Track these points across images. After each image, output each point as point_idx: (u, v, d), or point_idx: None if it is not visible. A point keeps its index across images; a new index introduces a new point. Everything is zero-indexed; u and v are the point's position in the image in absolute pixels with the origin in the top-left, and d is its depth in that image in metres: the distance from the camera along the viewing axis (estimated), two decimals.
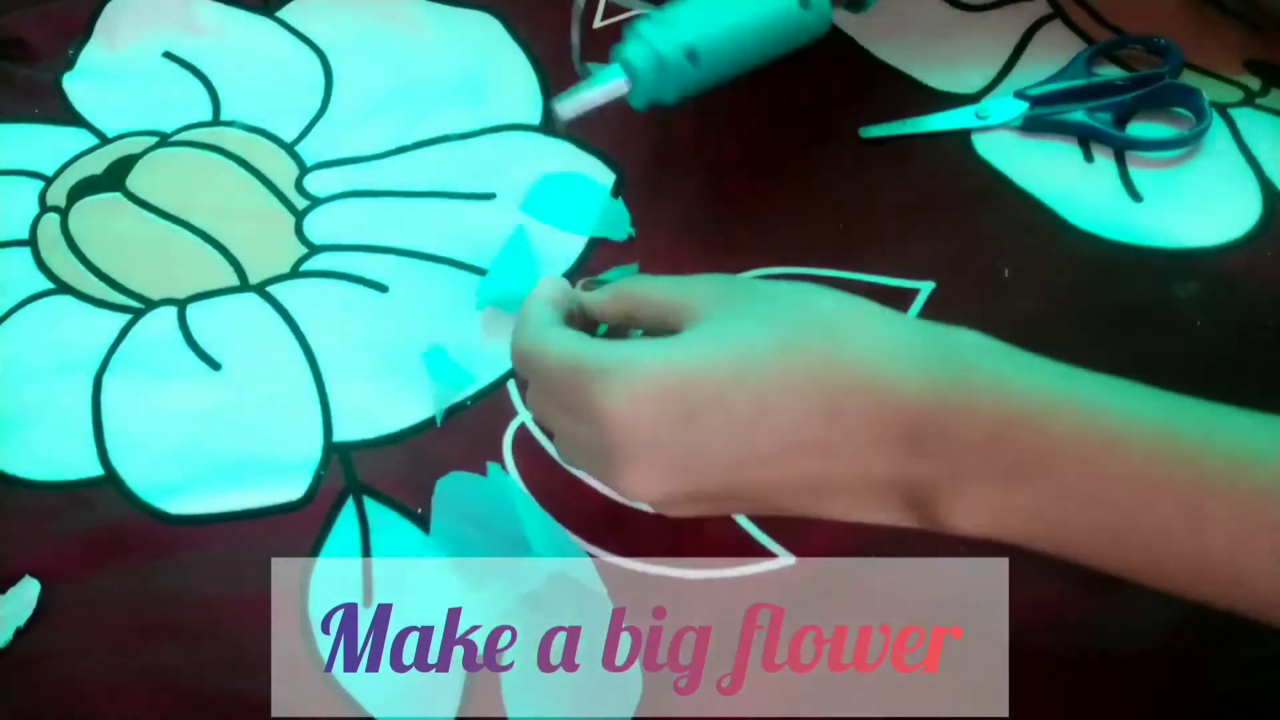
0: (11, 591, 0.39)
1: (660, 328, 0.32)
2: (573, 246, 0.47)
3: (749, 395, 0.29)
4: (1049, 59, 0.51)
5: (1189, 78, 0.50)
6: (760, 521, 0.39)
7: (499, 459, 0.41)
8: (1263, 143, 0.48)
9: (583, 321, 0.35)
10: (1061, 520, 0.28)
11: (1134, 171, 0.47)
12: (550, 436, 0.35)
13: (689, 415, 0.29)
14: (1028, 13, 0.53)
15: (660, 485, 0.30)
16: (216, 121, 0.53)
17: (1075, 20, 0.53)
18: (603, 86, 0.41)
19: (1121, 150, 0.48)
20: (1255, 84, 0.50)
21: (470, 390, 0.43)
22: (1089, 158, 0.48)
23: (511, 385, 0.43)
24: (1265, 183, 0.46)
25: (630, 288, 0.35)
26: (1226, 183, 0.47)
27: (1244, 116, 0.49)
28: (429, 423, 0.43)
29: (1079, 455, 0.28)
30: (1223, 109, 0.49)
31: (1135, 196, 0.46)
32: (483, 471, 0.40)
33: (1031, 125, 0.48)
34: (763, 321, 0.30)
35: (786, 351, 0.29)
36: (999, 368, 0.29)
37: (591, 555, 0.39)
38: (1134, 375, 0.41)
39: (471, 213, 0.49)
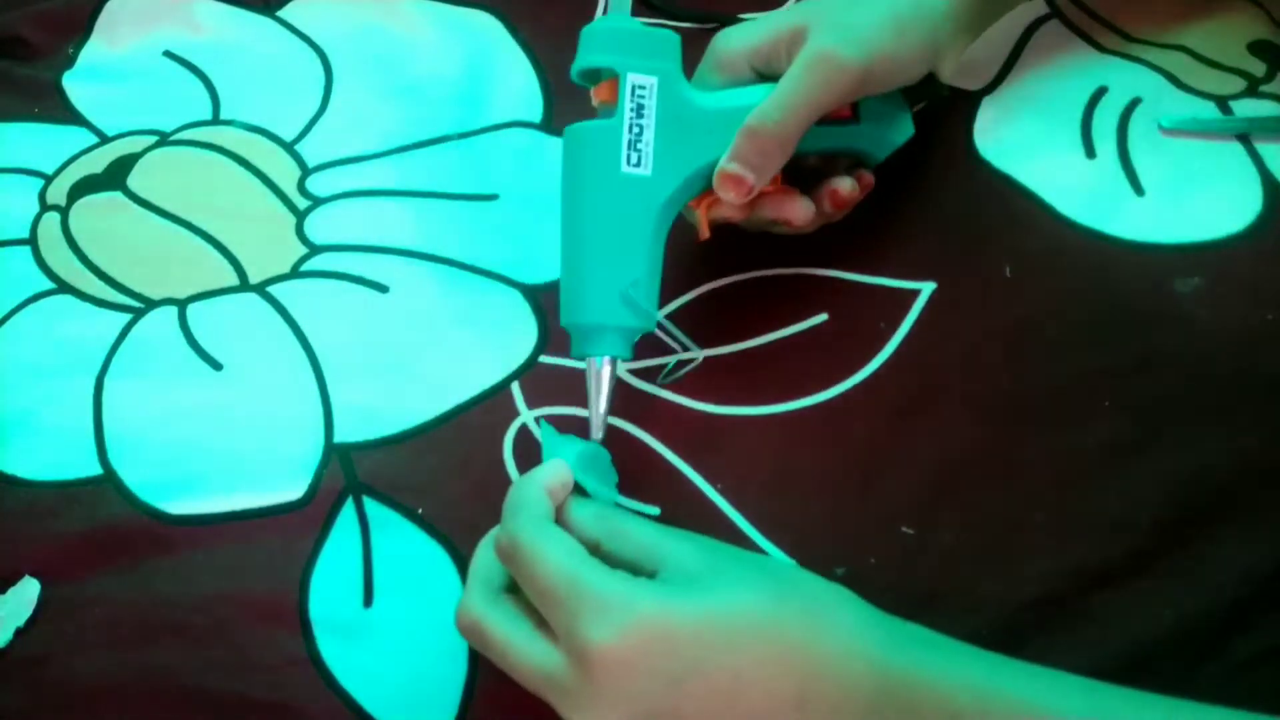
0: (11, 591, 0.39)
1: (630, 566, 0.32)
2: None
3: (729, 666, 0.30)
4: (1047, 58, 0.51)
5: (1187, 71, 0.50)
6: None
7: (499, 460, 0.41)
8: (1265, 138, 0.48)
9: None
10: None
11: (1137, 165, 0.47)
12: (483, 644, 0.33)
13: (674, 674, 0.30)
14: (1026, 12, 0.53)
15: None
16: (216, 121, 0.53)
17: (1072, 19, 0.53)
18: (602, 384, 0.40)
19: (1124, 143, 0.48)
20: (1260, 69, 0.50)
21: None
22: (1090, 153, 0.48)
23: (514, 387, 0.43)
24: (1266, 175, 0.46)
25: (612, 519, 0.34)
26: (1228, 175, 0.46)
27: (1244, 107, 0.49)
28: (429, 423, 0.43)
29: None
30: (1223, 101, 0.49)
31: (1138, 190, 0.46)
32: (487, 478, 0.40)
33: None
34: (752, 588, 0.31)
35: (770, 627, 0.31)
36: (951, 659, 0.32)
37: None
38: (1138, 371, 0.41)
39: (471, 213, 0.49)
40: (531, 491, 0.34)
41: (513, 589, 0.34)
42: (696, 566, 0.32)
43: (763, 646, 0.31)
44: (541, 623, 0.32)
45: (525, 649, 0.32)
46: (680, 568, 0.32)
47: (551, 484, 0.35)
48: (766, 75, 0.41)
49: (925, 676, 0.31)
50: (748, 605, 0.31)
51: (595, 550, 0.33)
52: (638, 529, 0.34)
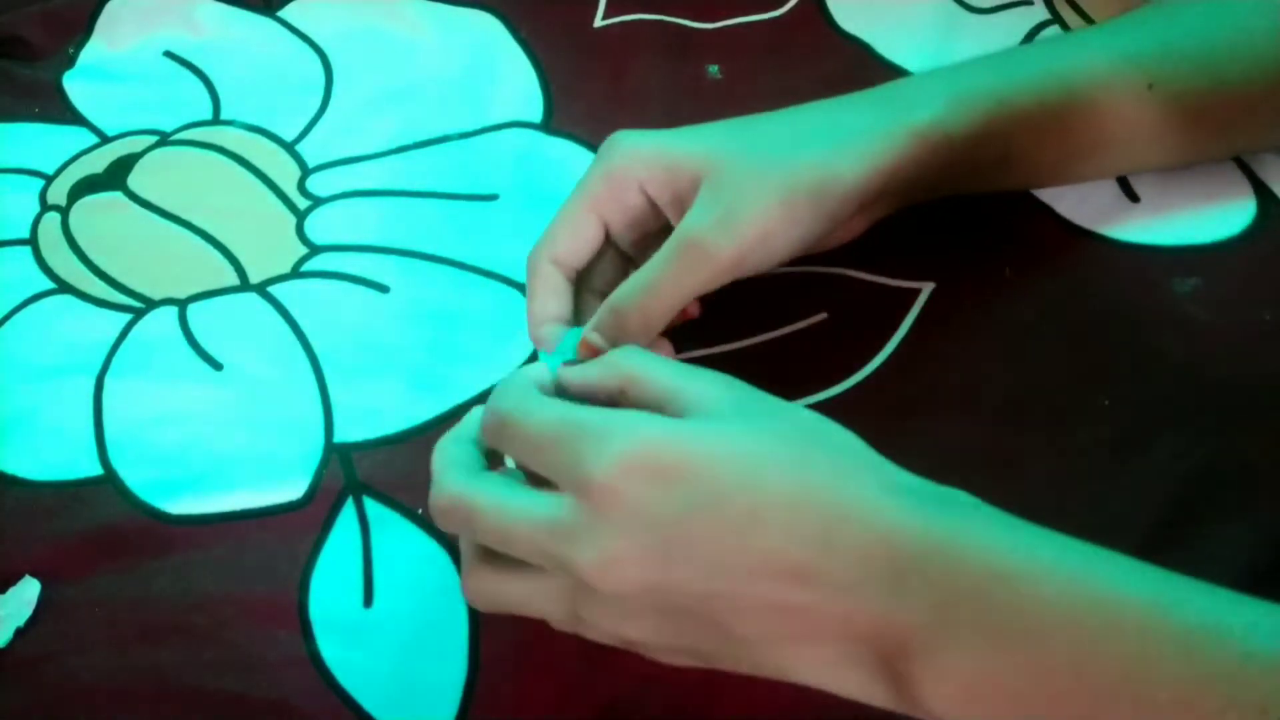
0: (11, 591, 0.39)
1: (659, 409, 0.31)
2: None
3: (746, 500, 0.28)
4: None
5: None
6: None
7: (499, 460, 0.41)
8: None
9: None
10: (1044, 697, 0.27)
11: (1131, 175, 0.47)
12: (469, 519, 0.31)
13: (684, 500, 0.28)
14: (1027, 18, 0.53)
15: (631, 570, 0.28)
16: (217, 121, 0.53)
17: (1072, 26, 0.53)
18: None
19: None
20: None
21: None
22: None
23: None
24: (1257, 182, 0.46)
25: (628, 361, 0.33)
26: (1219, 183, 0.47)
27: None
28: (429, 423, 0.43)
29: (1068, 625, 0.26)
30: None
31: (1132, 197, 0.46)
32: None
33: None
34: (776, 434, 0.30)
35: (792, 466, 0.29)
36: (991, 524, 0.29)
37: None
38: (1137, 371, 0.41)
39: (471, 213, 0.49)
40: (515, 379, 0.33)
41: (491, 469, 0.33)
42: (721, 407, 0.30)
43: (785, 483, 0.28)
44: (537, 481, 0.31)
45: (522, 503, 0.30)
46: (703, 408, 0.30)
47: (539, 377, 0.33)
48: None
49: (973, 530, 0.28)
50: (770, 442, 0.29)
51: (620, 397, 0.32)
52: (662, 371, 0.32)
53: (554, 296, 0.39)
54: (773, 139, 0.39)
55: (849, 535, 0.28)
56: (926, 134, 0.39)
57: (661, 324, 0.37)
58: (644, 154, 0.39)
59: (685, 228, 0.37)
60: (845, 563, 0.28)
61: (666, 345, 0.39)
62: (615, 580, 0.28)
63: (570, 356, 0.37)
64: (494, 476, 0.32)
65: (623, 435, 0.29)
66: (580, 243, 0.39)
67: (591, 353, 0.36)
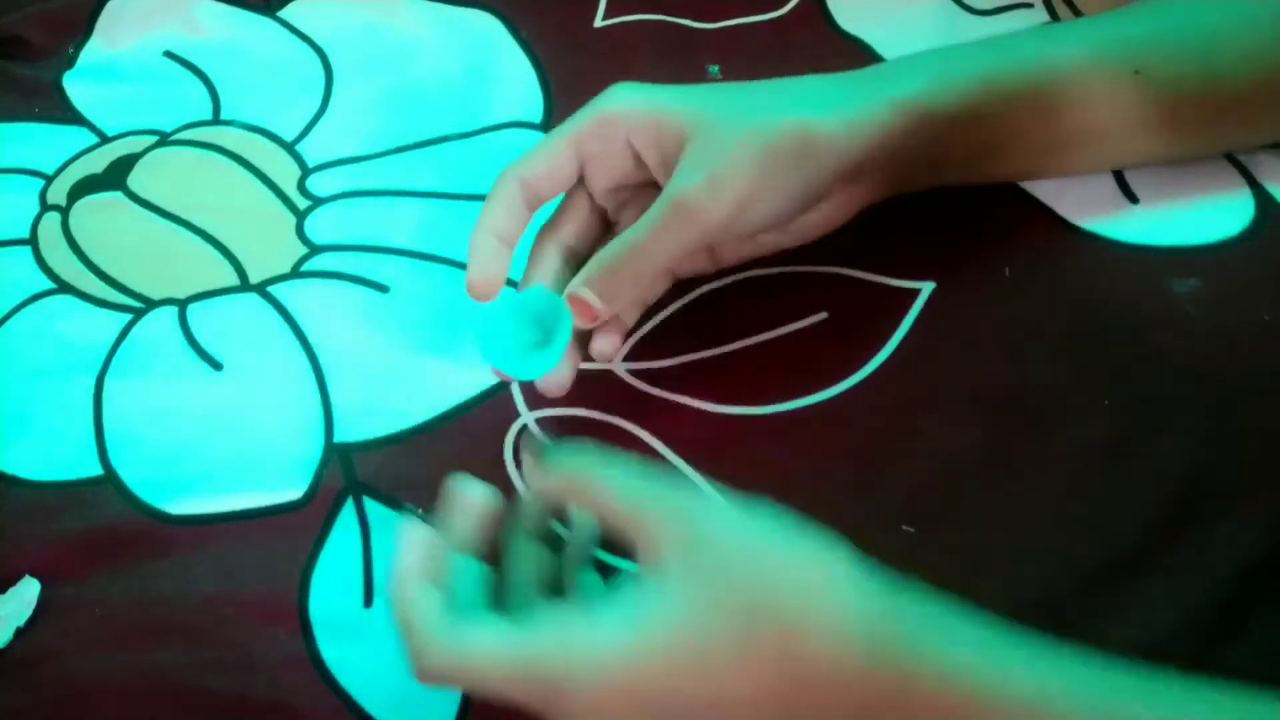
0: (11, 591, 0.39)
1: (618, 537, 0.31)
2: None
3: (707, 696, 0.29)
4: None
5: None
6: None
7: (499, 460, 0.41)
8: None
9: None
10: None
11: (1130, 175, 0.47)
12: None
13: (653, 714, 0.29)
14: (1027, 19, 0.53)
15: None
16: (217, 121, 0.53)
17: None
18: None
19: None
20: None
21: None
22: None
23: (514, 387, 0.43)
24: (1255, 184, 0.46)
25: (586, 485, 0.32)
26: (1217, 184, 0.46)
27: None
28: (429, 423, 0.43)
29: None
30: None
31: (1131, 198, 0.46)
32: (487, 478, 0.40)
33: None
34: (720, 608, 0.29)
35: (744, 651, 0.29)
36: (945, 651, 0.29)
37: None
38: (1137, 371, 0.41)
39: (471, 213, 0.49)
40: (409, 603, 0.32)
41: None
42: (670, 559, 0.29)
43: (744, 670, 0.29)
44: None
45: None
46: (656, 557, 0.30)
47: (423, 563, 0.32)
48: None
49: (919, 670, 0.28)
50: (722, 625, 0.29)
51: (574, 510, 0.33)
52: (616, 502, 0.31)
53: (507, 212, 0.40)
54: (757, 102, 0.39)
55: (810, 700, 0.29)
56: (907, 107, 0.40)
57: (649, 283, 0.39)
58: (636, 106, 0.39)
59: (674, 189, 0.37)
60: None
61: (619, 333, 0.41)
62: None
63: (531, 308, 0.39)
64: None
65: (585, 676, 0.29)
66: (553, 172, 0.40)
67: (582, 307, 0.38)
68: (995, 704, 0.28)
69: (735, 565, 0.30)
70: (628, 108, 0.39)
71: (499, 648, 0.30)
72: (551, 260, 0.41)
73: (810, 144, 0.38)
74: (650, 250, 0.38)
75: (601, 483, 0.31)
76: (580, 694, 0.29)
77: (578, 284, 0.38)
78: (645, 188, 0.41)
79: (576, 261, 0.41)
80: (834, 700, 0.29)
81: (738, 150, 0.37)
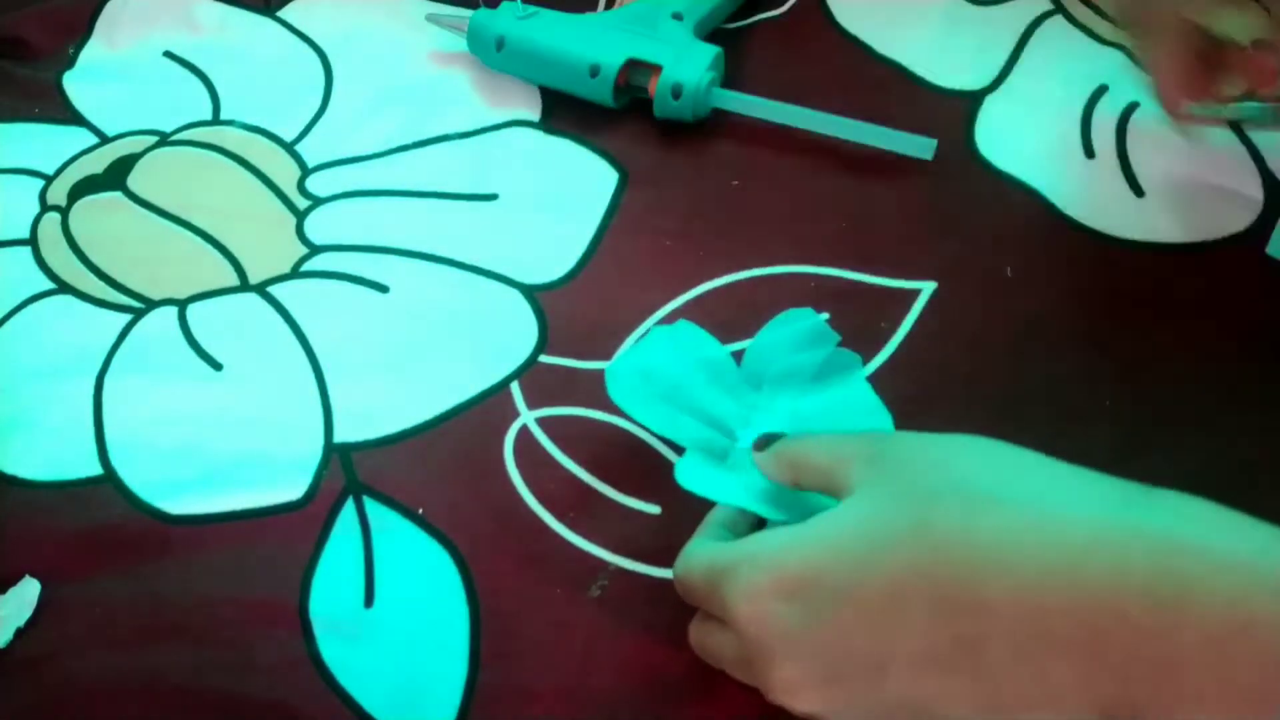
0: (11, 591, 0.39)
1: (827, 490, 0.31)
2: None
3: (879, 583, 0.27)
4: (1049, 56, 0.51)
5: None
6: None
7: (499, 460, 0.41)
8: (1264, 134, 0.48)
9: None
10: None
11: (1136, 166, 0.47)
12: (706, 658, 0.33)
13: (818, 607, 0.27)
14: (1030, 9, 0.53)
15: (809, 694, 0.28)
16: (216, 121, 0.53)
17: (1076, 16, 0.53)
18: (457, 19, 0.54)
19: (1123, 144, 0.48)
20: None
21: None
22: (1090, 153, 0.48)
23: (514, 387, 0.43)
24: (1267, 175, 0.46)
25: (789, 450, 0.33)
26: (1227, 176, 0.46)
27: (1246, 109, 0.49)
28: (429, 423, 0.43)
29: None
30: (1224, 102, 0.49)
31: (1138, 192, 0.46)
32: (487, 478, 0.40)
33: None
34: (897, 495, 0.28)
35: (916, 531, 0.26)
36: (1215, 549, 0.24)
37: (613, 565, 0.39)
38: (1139, 371, 0.41)
39: (471, 213, 0.49)
40: (693, 539, 0.34)
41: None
42: (860, 475, 0.29)
43: (916, 554, 0.26)
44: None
45: (715, 642, 0.32)
46: (849, 483, 0.29)
47: (718, 518, 0.35)
48: None
49: (1192, 569, 0.24)
50: (896, 512, 0.27)
51: (800, 489, 0.32)
52: (815, 453, 0.31)
53: None
54: None
55: (1010, 603, 0.25)
56: None
57: None
58: None
59: None
60: (1018, 635, 0.25)
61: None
62: (802, 703, 0.29)
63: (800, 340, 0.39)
64: (706, 623, 0.33)
65: (745, 568, 0.29)
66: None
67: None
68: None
69: (919, 456, 0.29)
70: None
71: (703, 552, 0.31)
72: (1178, 42, 0.40)
73: None
74: None
75: (807, 444, 0.32)
76: (736, 592, 0.29)
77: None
78: None
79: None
80: (1035, 601, 0.25)
81: None
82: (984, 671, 0.26)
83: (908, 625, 0.26)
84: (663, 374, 0.38)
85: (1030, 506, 0.26)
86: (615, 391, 0.38)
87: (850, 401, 0.39)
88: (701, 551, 0.32)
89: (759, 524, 0.35)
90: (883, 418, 0.38)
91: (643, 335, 0.44)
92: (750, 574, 0.29)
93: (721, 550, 0.31)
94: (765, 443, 0.35)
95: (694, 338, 0.40)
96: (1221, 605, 0.23)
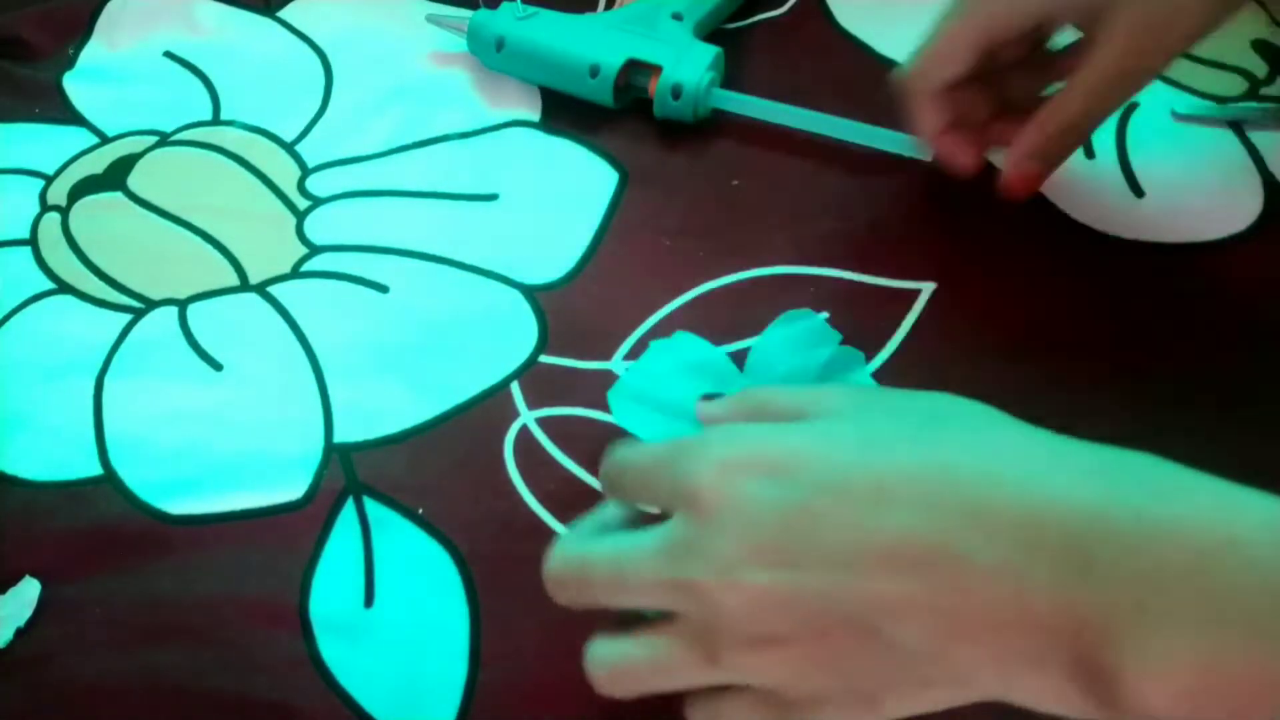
0: (11, 591, 0.39)
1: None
2: None
3: (868, 477, 0.25)
4: None
5: (1187, 68, 0.50)
6: None
7: (500, 460, 0.41)
8: (1264, 135, 0.48)
9: None
10: None
11: (1136, 167, 0.47)
12: (584, 575, 0.30)
13: (796, 490, 0.25)
14: None
15: (755, 575, 0.25)
16: (217, 121, 0.53)
17: None
18: (456, 20, 0.54)
19: (1123, 145, 0.48)
20: (1261, 69, 0.50)
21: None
22: (1090, 153, 0.48)
23: (514, 387, 0.43)
24: (1267, 176, 0.46)
25: (755, 390, 0.31)
26: (1227, 177, 0.46)
27: (1246, 110, 0.49)
28: (429, 423, 0.43)
29: None
30: (1224, 101, 0.49)
31: (1138, 192, 0.46)
32: (487, 478, 0.40)
33: None
34: (894, 412, 0.27)
35: (917, 436, 0.26)
36: (1185, 489, 0.24)
37: None
38: (1140, 371, 0.41)
39: (471, 213, 0.49)
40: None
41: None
42: (842, 405, 0.28)
43: (913, 455, 0.25)
44: (649, 520, 0.29)
45: (634, 539, 0.28)
46: (825, 407, 0.28)
47: None
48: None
49: (1173, 495, 0.24)
50: (891, 421, 0.26)
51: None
52: (787, 390, 0.30)
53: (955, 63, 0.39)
54: None
55: (1000, 510, 0.24)
56: None
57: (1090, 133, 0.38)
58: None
59: (1114, 55, 0.35)
60: (1001, 541, 0.24)
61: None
62: (741, 590, 0.26)
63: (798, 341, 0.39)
64: (610, 534, 0.30)
65: (724, 440, 0.27)
66: (961, 59, 0.39)
67: (1024, 177, 0.38)
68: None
69: (916, 394, 0.29)
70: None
71: (635, 453, 0.30)
72: (934, 93, 0.39)
73: None
74: (1090, 114, 0.36)
75: (775, 388, 0.31)
76: (708, 461, 0.26)
77: (1021, 157, 0.37)
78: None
79: (953, 104, 0.40)
80: (1033, 510, 0.24)
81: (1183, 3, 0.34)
82: (959, 583, 0.24)
83: (889, 521, 0.25)
84: (665, 391, 0.39)
85: (1031, 433, 0.26)
86: (620, 415, 0.39)
87: None
88: (649, 443, 0.30)
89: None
90: None
91: (641, 341, 0.44)
92: (727, 444, 0.27)
93: (681, 440, 0.28)
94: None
95: (691, 347, 0.40)
96: (1205, 523, 0.23)
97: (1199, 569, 0.22)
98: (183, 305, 0.47)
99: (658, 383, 0.39)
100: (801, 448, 0.26)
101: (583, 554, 0.30)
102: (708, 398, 0.35)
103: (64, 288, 0.48)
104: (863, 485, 0.25)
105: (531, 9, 0.53)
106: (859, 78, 0.52)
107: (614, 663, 0.29)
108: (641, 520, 0.31)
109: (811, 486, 0.25)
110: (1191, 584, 0.22)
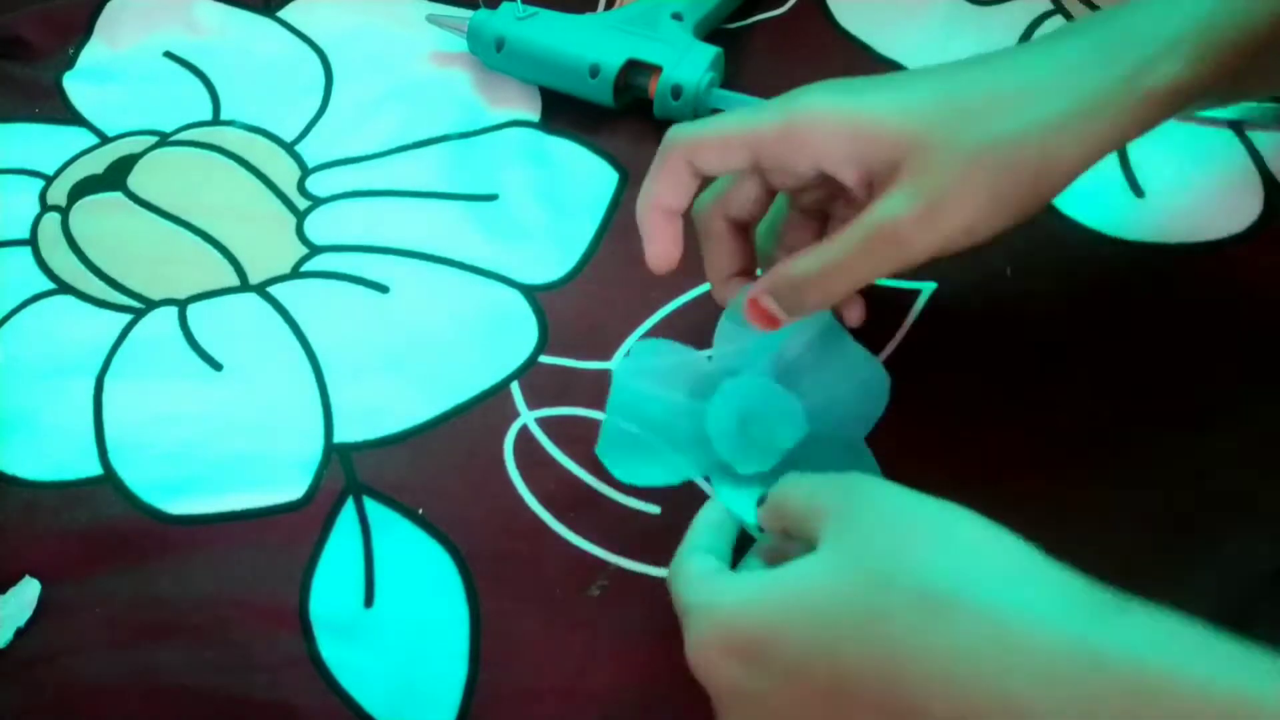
0: (11, 591, 0.39)
1: (805, 539, 0.30)
2: None
3: (825, 671, 0.26)
4: None
5: None
6: None
7: (500, 460, 0.41)
8: (1264, 135, 0.48)
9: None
10: None
11: (1136, 166, 0.47)
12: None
13: (765, 677, 0.27)
14: (1030, 9, 0.53)
15: None
16: (217, 121, 0.53)
17: (1076, 16, 0.53)
18: (457, 20, 0.54)
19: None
20: None
21: None
22: None
23: (514, 387, 0.43)
24: (1267, 176, 0.46)
25: (773, 501, 0.32)
26: (1228, 177, 0.46)
27: (1246, 110, 0.49)
28: (429, 423, 0.43)
29: None
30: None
31: (1138, 192, 0.46)
32: (487, 478, 0.40)
33: None
34: (858, 571, 0.27)
35: (869, 623, 0.26)
36: (1196, 686, 0.23)
37: (613, 565, 0.39)
38: (1140, 370, 0.41)
39: (471, 213, 0.49)
40: (689, 533, 0.34)
41: None
42: (830, 527, 0.29)
43: (866, 649, 0.26)
44: None
45: None
46: (822, 532, 0.29)
47: (712, 519, 0.35)
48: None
49: (1137, 675, 0.23)
50: (852, 588, 0.26)
51: (786, 538, 0.32)
52: (793, 498, 0.31)
53: (673, 188, 0.37)
54: (988, 111, 0.32)
55: (940, 707, 0.24)
56: (1163, 99, 0.31)
57: (841, 299, 0.36)
58: (832, 119, 0.33)
59: (885, 217, 0.32)
60: None
61: (859, 304, 0.38)
62: None
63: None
64: None
65: (700, 619, 0.29)
66: (726, 164, 0.36)
67: (762, 313, 0.35)
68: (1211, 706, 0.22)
69: (883, 528, 0.28)
70: (821, 121, 0.33)
71: (682, 575, 0.31)
72: (723, 237, 0.38)
73: (1051, 173, 0.32)
74: (847, 271, 0.33)
75: (788, 489, 0.32)
76: (692, 638, 0.29)
77: (762, 290, 0.35)
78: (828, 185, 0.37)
79: (744, 231, 0.39)
80: (984, 707, 0.24)
81: (965, 180, 0.32)
82: None
83: (852, 716, 0.26)
84: (648, 416, 0.38)
85: (989, 614, 0.25)
86: (613, 467, 0.38)
87: (843, 364, 0.39)
88: (681, 571, 0.32)
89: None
90: (874, 368, 0.39)
91: (640, 341, 0.44)
92: (702, 628, 0.29)
93: (692, 583, 0.31)
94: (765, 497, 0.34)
95: (654, 353, 0.40)
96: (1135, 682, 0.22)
97: None
98: (183, 305, 0.47)
99: (638, 410, 0.39)
100: (768, 626, 0.28)
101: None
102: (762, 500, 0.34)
103: (64, 288, 0.48)
104: (822, 680, 0.26)
105: (531, 9, 0.53)
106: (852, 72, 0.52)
107: None
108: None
109: (780, 676, 0.27)
110: None
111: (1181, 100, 0.32)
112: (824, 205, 0.38)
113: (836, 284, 0.34)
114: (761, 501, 0.33)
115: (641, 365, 0.39)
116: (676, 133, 0.36)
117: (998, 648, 0.24)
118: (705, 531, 0.34)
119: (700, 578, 0.31)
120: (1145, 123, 0.32)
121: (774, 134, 0.34)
